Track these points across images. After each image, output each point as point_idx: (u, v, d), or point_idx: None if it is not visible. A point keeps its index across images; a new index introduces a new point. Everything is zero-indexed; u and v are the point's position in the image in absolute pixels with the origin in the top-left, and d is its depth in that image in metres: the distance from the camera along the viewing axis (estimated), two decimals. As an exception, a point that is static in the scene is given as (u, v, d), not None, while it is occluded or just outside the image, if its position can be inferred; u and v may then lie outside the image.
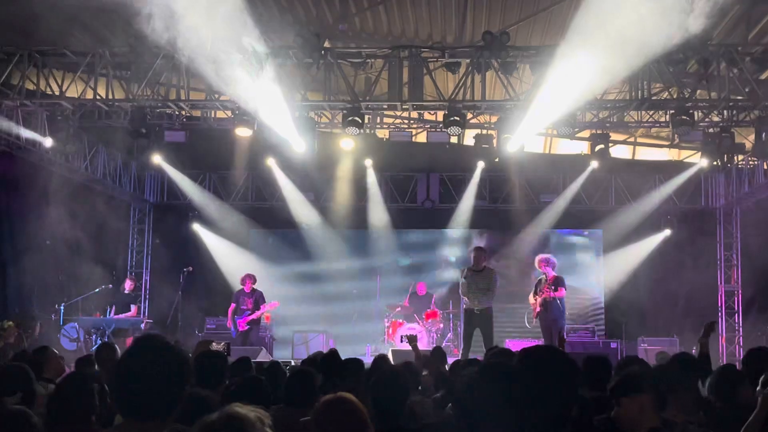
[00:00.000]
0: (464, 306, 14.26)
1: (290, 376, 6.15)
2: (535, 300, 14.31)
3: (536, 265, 14.46)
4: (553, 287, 14.03)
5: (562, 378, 2.98)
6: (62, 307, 15.91)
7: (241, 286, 16.03)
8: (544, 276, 14.31)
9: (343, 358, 7.71)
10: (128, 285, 16.62)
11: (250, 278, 16.03)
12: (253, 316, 15.74)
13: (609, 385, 4.43)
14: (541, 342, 14.59)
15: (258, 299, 15.86)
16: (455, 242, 19.28)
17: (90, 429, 4.50)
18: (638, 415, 4.14)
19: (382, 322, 17.08)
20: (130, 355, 3.07)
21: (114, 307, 16.12)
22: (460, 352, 14.18)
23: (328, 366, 7.11)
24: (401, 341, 14.18)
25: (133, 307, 16.43)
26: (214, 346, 10.44)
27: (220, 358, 6.76)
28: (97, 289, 16.32)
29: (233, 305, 15.92)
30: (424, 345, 14.70)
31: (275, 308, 16.45)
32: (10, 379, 5.26)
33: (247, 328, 15.70)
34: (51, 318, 15.77)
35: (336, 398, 4.07)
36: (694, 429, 4.56)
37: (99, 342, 14.84)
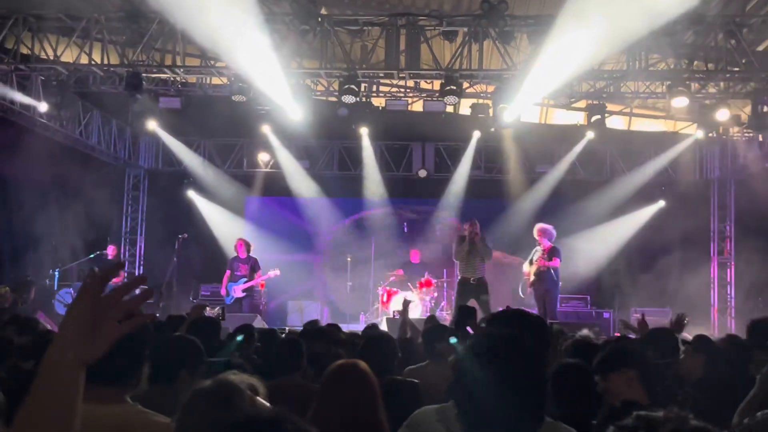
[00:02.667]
0: (458, 276, 14.25)
1: (279, 344, 6.16)
2: (530, 270, 14.31)
3: (534, 234, 14.44)
4: (547, 257, 14.04)
5: (534, 336, 2.95)
6: (57, 273, 15.93)
7: (236, 253, 15.89)
8: (540, 246, 14.31)
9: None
10: (111, 251, 16.59)
11: (243, 243, 15.85)
12: (251, 283, 15.62)
13: (595, 359, 4.38)
14: (534, 312, 14.68)
15: (254, 265, 15.75)
16: (449, 212, 19.25)
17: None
18: (626, 390, 4.07)
19: (376, 291, 17.13)
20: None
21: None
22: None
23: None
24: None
25: (121, 273, 16.43)
26: (208, 311, 10.51)
27: (213, 324, 6.82)
28: (92, 255, 16.33)
29: (228, 272, 15.78)
30: (418, 314, 14.78)
31: (276, 277, 16.27)
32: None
33: (243, 295, 15.58)
34: (45, 283, 15.79)
35: (347, 363, 4.06)
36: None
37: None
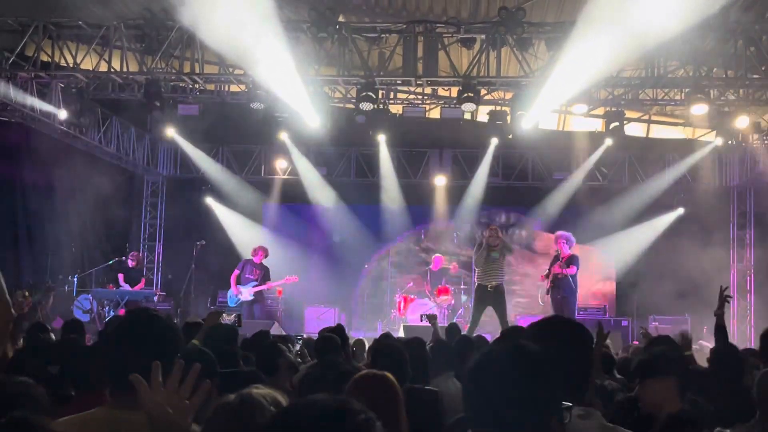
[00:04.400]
0: (476, 282, 14.21)
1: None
2: (547, 276, 14.28)
3: (554, 241, 14.42)
4: (565, 264, 14.00)
5: (575, 346, 2.90)
6: (75, 279, 16.03)
7: (252, 257, 15.80)
8: (558, 252, 14.28)
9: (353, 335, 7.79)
10: (132, 258, 16.67)
11: (263, 250, 15.81)
12: (263, 287, 15.53)
13: (633, 364, 4.26)
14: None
15: (266, 274, 15.65)
16: (467, 219, 19.21)
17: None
18: (662, 398, 3.99)
19: (393, 298, 17.11)
20: (120, 326, 3.07)
21: (122, 277, 16.21)
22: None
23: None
24: (421, 320, 14.16)
25: (142, 280, 16.53)
26: (225, 318, 10.53)
27: (230, 331, 6.83)
28: (111, 261, 16.42)
29: (237, 272, 15.63)
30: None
31: (294, 282, 16.20)
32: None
33: (251, 298, 15.42)
34: (64, 289, 15.88)
35: (371, 374, 4.02)
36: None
37: (111, 314, 14.98)
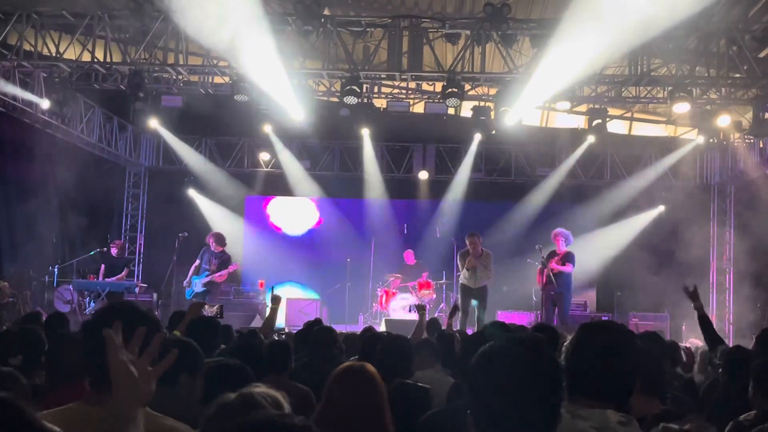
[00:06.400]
0: (460, 281, 14.38)
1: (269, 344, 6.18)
2: (543, 272, 14.34)
3: (552, 238, 14.49)
4: (561, 261, 14.11)
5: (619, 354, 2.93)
6: (56, 269, 15.94)
7: (209, 244, 15.07)
8: (554, 249, 14.37)
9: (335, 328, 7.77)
10: (114, 250, 16.47)
11: (213, 237, 15.11)
12: (213, 278, 14.73)
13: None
14: (538, 314, 14.74)
15: (223, 263, 14.87)
16: (450, 214, 19.22)
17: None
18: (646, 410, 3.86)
19: (375, 292, 17.14)
20: (98, 319, 3.04)
21: (103, 268, 16.01)
22: (458, 322, 14.28)
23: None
24: (409, 311, 14.23)
25: (125, 270, 16.39)
26: (207, 309, 10.49)
27: (212, 323, 6.82)
28: (92, 252, 16.33)
29: (197, 261, 14.95)
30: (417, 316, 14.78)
31: (234, 271, 15.51)
32: (17, 340, 5.26)
33: (203, 289, 14.71)
34: (45, 279, 15.80)
35: (354, 366, 4.01)
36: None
37: (93, 304, 14.91)
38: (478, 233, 14.46)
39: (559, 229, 14.57)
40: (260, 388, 2.82)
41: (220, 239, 15.08)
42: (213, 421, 2.74)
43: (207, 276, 14.80)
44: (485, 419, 2.27)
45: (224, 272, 14.84)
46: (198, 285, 14.86)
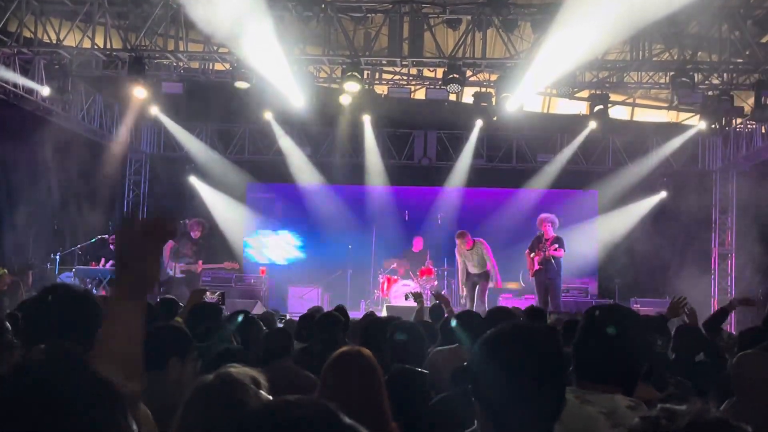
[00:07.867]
0: (462, 269, 14.79)
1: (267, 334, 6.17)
2: (532, 257, 14.36)
3: (538, 223, 14.51)
4: (553, 247, 14.13)
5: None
6: (58, 256, 15.94)
7: (189, 231, 15.14)
8: (541, 233, 14.37)
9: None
10: (112, 241, 16.47)
11: (198, 225, 15.28)
12: (192, 268, 14.88)
13: None
14: (533, 298, 14.76)
15: (200, 251, 15.07)
16: (451, 200, 19.20)
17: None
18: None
19: (376, 278, 17.14)
20: (37, 302, 3.12)
21: (104, 260, 16.08)
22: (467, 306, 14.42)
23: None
24: (405, 299, 14.27)
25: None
26: (208, 296, 10.52)
27: (214, 309, 6.84)
28: (93, 239, 16.33)
29: (172, 243, 14.68)
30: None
31: (232, 268, 15.92)
32: None
33: (181, 275, 14.80)
34: (47, 267, 15.81)
35: (350, 351, 3.98)
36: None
37: (95, 292, 14.92)
38: (464, 232, 14.80)
39: (545, 214, 14.60)
40: (236, 368, 2.80)
41: (202, 228, 15.32)
42: (192, 404, 2.70)
43: (187, 263, 14.94)
44: (489, 404, 2.27)
45: (218, 266, 15.35)
46: (176, 269, 14.93)
